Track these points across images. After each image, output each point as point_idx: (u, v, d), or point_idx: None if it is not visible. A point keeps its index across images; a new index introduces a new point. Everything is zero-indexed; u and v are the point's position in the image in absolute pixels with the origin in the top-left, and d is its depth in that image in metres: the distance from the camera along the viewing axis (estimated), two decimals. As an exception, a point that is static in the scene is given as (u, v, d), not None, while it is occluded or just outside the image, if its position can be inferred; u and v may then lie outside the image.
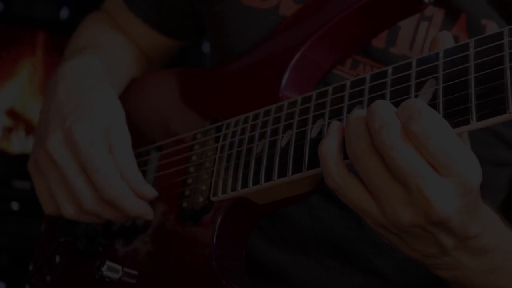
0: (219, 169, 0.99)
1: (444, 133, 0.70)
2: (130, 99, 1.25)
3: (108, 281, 1.06)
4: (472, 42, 0.75)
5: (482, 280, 0.86)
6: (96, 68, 1.15)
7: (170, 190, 1.07)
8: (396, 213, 0.74)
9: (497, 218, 0.86)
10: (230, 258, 0.99)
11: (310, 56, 1.02)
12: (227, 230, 0.98)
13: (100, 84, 1.11)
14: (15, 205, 2.70)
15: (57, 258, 1.21)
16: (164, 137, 1.15)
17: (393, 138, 0.71)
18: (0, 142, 2.83)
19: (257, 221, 1.02)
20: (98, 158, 1.01)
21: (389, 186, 0.74)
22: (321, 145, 0.79)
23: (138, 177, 1.06)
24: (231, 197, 0.96)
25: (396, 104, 0.76)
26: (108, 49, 1.29)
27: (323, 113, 0.87)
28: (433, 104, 0.74)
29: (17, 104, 2.89)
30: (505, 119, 0.70)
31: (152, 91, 1.26)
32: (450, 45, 0.78)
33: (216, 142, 1.03)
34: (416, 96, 0.77)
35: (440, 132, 0.70)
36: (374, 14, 0.99)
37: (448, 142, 0.70)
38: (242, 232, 1.01)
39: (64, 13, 2.91)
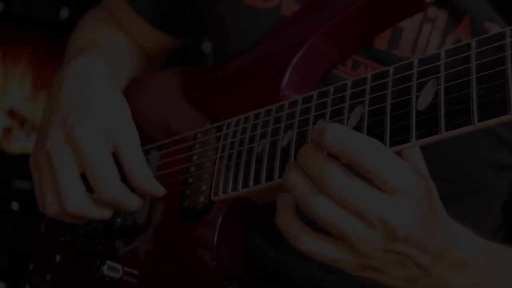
0: (219, 168, 0.99)
1: (373, 152, 0.73)
2: (131, 98, 1.24)
3: (109, 281, 1.06)
4: (474, 42, 0.75)
5: None
6: (101, 68, 1.15)
7: (171, 190, 1.06)
8: (367, 244, 0.76)
9: (466, 230, 0.87)
10: (230, 258, 0.99)
11: (310, 56, 1.02)
12: (227, 230, 0.98)
13: (104, 85, 1.11)
14: (15, 205, 2.70)
15: (58, 258, 1.21)
16: (164, 136, 1.14)
17: (334, 180, 0.74)
18: (0, 142, 2.83)
19: (257, 221, 1.02)
20: (98, 159, 1.00)
21: (349, 222, 0.76)
22: (276, 221, 0.82)
23: (147, 175, 1.05)
24: (231, 197, 0.96)
25: (398, 104, 0.76)
26: (109, 47, 1.29)
27: (324, 113, 0.87)
28: (434, 103, 0.74)
29: (17, 104, 2.89)
30: (507, 119, 0.69)
31: (152, 90, 1.26)
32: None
33: (217, 141, 1.03)
34: (417, 96, 0.77)
35: (369, 152, 0.73)
36: (374, 13, 0.99)
37: (379, 161, 0.73)
38: (242, 232, 1.01)
39: (64, 13, 2.92)
